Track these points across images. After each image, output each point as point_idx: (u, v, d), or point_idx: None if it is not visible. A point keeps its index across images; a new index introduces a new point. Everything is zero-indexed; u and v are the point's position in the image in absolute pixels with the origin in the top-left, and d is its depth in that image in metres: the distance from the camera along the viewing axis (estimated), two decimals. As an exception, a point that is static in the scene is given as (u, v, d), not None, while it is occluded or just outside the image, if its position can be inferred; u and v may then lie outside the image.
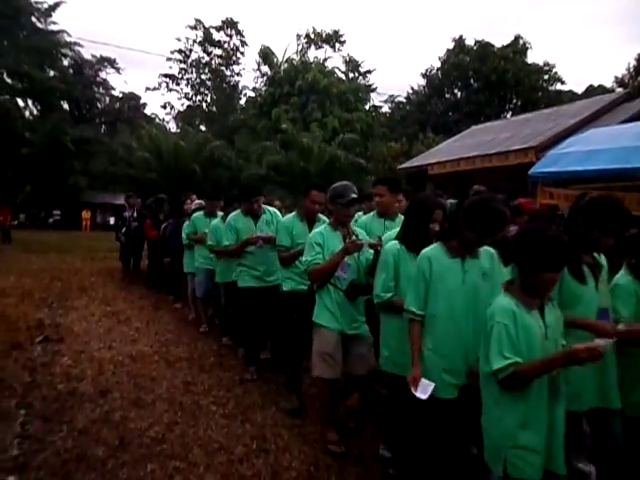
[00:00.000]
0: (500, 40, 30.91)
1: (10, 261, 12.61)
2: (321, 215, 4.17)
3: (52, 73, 33.20)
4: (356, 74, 36.68)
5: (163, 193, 11.32)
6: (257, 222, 4.84)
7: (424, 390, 2.48)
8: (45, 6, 31.93)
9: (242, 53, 41.15)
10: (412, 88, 34.49)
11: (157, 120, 40.09)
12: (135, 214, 9.65)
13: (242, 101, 40.12)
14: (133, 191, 13.67)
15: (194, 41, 40.33)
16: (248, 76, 40.42)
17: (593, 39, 73.42)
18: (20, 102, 32.44)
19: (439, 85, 32.27)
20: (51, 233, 24.66)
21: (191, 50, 40.69)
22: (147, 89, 47.66)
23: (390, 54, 74.15)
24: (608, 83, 31.38)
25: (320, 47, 36.32)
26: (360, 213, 4.68)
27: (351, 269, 3.35)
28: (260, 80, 35.85)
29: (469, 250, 2.53)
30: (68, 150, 29.39)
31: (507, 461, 2.02)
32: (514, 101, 30.78)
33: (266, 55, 33.16)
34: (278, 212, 5.16)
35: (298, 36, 35.90)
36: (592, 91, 29.16)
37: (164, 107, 45.65)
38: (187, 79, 41.37)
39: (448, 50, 32.03)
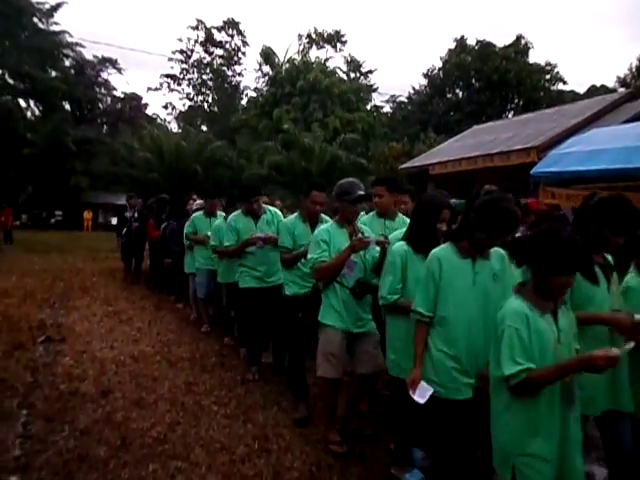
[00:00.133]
0: (502, 40, 31.21)
1: (12, 261, 12.64)
2: (324, 215, 4.13)
3: (54, 73, 33.26)
4: (357, 74, 36.72)
5: (165, 193, 11.30)
6: (257, 222, 4.81)
7: (422, 394, 2.45)
8: (47, 7, 32.10)
9: (244, 53, 41.33)
10: (413, 88, 34.50)
11: (159, 120, 40.09)
12: (136, 214, 9.66)
13: (243, 101, 40.24)
14: (135, 191, 13.71)
15: (196, 41, 40.52)
16: (249, 76, 40.83)
17: (595, 39, 73.43)
18: (22, 102, 32.64)
19: (441, 85, 32.19)
20: (53, 233, 24.70)
21: (192, 50, 40.85)
22: (149, 89, 47.94)
23: (391, 54, 74.37)
24: (610, 83, 31.46)
25: (321, 47, 36.41)
26: (362, 213, 4.66)
27: (357, 267, 3.31)
28: (261, 80, 35.95)
29: (480, 251, 2.47)
30: (70, 150, 29.45)
31: (515, 468, 1.97)
32: (516, 101, 30.72)
33: (267, 55, 33.20)
34: (279, 212, 5.14)
35: (299, 36, 36.09)
36: (594, 91, 29.10)
37: (165, 107, 45.81)
38: (189, 79, 41.49)
39: (450, 50, 31.97)
